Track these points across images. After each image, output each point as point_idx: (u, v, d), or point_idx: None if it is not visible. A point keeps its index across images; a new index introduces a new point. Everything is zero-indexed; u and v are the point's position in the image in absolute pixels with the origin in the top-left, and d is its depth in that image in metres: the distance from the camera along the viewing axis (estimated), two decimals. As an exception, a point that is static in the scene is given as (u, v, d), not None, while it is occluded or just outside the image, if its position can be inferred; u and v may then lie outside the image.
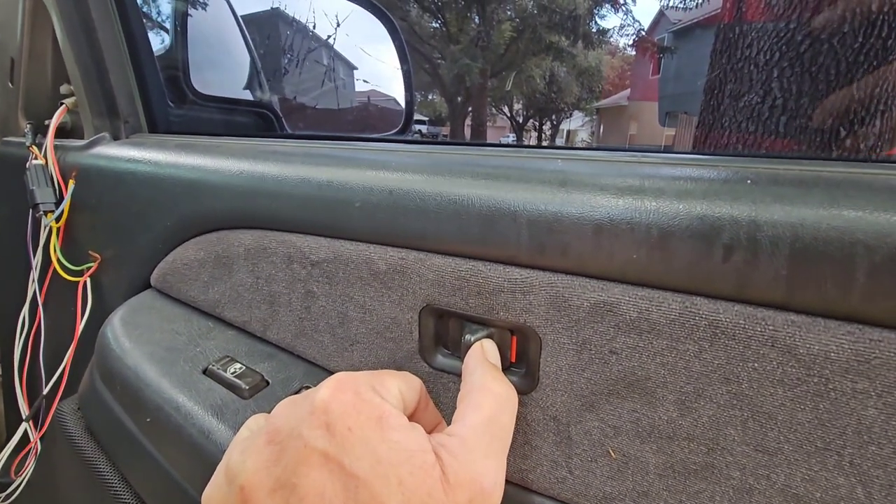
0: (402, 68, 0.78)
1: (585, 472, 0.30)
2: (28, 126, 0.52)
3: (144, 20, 0.50)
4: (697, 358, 0.25)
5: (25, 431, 0.54)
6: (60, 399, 0.47)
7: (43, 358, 0.53)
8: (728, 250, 0.24)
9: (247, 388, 0.36)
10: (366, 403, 0.24)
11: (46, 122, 0.55)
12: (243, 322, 0.42)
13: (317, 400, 0.24)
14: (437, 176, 0.32)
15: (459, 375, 0.33)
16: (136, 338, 0.41)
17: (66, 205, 0.47)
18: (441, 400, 0.35)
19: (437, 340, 0.34)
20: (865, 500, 0.23)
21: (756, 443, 0.25)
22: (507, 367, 0.32)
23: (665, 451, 0.27)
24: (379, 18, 0.79)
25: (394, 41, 0.78)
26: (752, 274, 0.24)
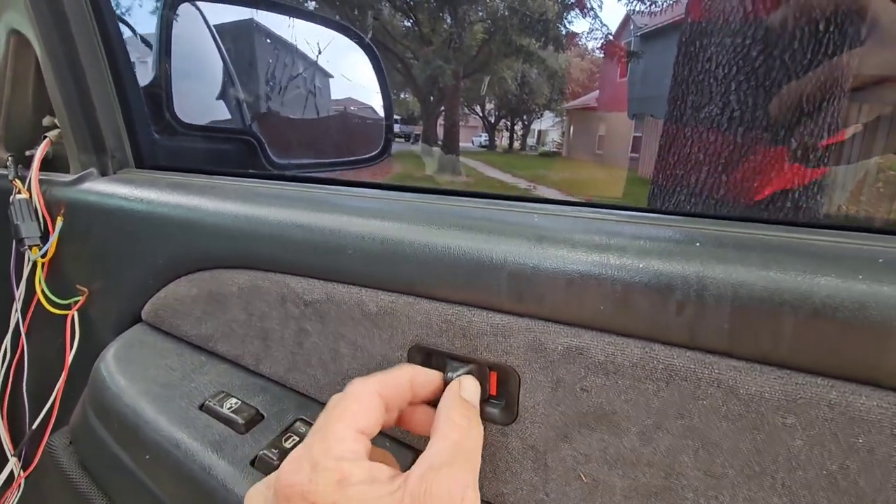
0: (381, 93, 0.81)
1: (560, 495, 0.33)
2: (10, 158, 0.52)
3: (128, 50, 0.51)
4: (656, 396, 0.29)
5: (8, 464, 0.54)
6: (50, 433, 0.47)
7: (27, 390, 0.53)
8: (680, 306, 0.28)
9: (243, 422, 0.38)
10: (322, 473, 0.25)
11: (28, 152, 0.55)
12: (236, 356, 0.44)
13: (279, 482, 0.26)
14: (425, 226, 0.35)
15: None
16: (130, 374, 0.43)
17: (53, 242, 0.47)
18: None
19: None
20: (794, 516, 0.28)
21: (705, 468, 0.29)
22: (486, 400, 0.35)
23: (629, 476, 0.31)
24: (359, 45, 0.81)
25: (374, 67, 0.80)
26: (701, 326, 0.28)
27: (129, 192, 0.46)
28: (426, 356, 0.36)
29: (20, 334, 0.53)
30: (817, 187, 0.81)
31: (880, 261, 0.26)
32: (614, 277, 0.29)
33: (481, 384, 0.34)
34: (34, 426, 0.48)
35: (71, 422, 0.47)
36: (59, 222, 0.47)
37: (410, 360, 0.36)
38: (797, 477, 0.27)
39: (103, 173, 0.50)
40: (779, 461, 0.27)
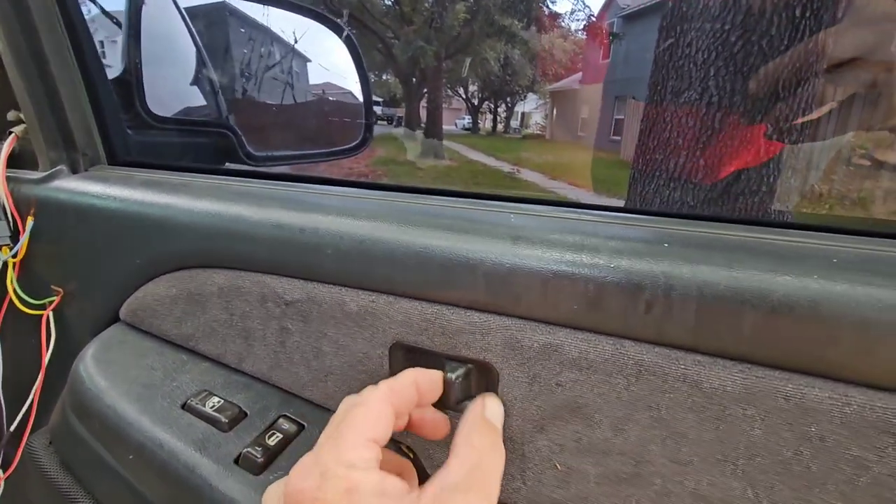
0: (360, 84, 0.79)
1: (537, 483, 0.35)
2: (-26, 155, 0.50)
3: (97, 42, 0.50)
4: (626, 390, 0.31)
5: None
6: (28, 434, 0.47)
7: (2, 391, 0.53)
8: (649, 304, 0.29)
9: (226, 420, 0.39)
10: (331, 481, 0.25)
11: (-8, 148, 0.53)
12: (218, 354, 0.44)
13: (287, 487, 0.26)
14: (402, 225, 0.35)
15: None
16: (111, 375, 0.42)
17: (24, 242, 0.46)
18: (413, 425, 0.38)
19: None
20: (752, 498, 0.29)
21: (672, 456, 0.31)
22: (470, 397, 0.36)
23: (601, 464, 0.33)
24: (337, 35, 0.79)
25: (353, 58, 0.78)
26: (668, 324, 0.29)
27: (102, 191, 0.45)
28: (407, 353, 0.37)
29: (-6, 334, 0.52)
30: (790, 167, 0.84)
31: (834, 261, 0.27)
32: (587, 277, 0.30)
33: (468, 383, 0.35)
34: (12, 427, 0.48)
35: (50, 422, 0.46)
36: (30, 222, 0.46)
37: (392, 357, 0.37)
38: (756, 463, 0.29)
39: (74, 170, 0.49)
40: (739, 449, 0.29)
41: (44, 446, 0.46)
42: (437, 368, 0.36)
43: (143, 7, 0.62)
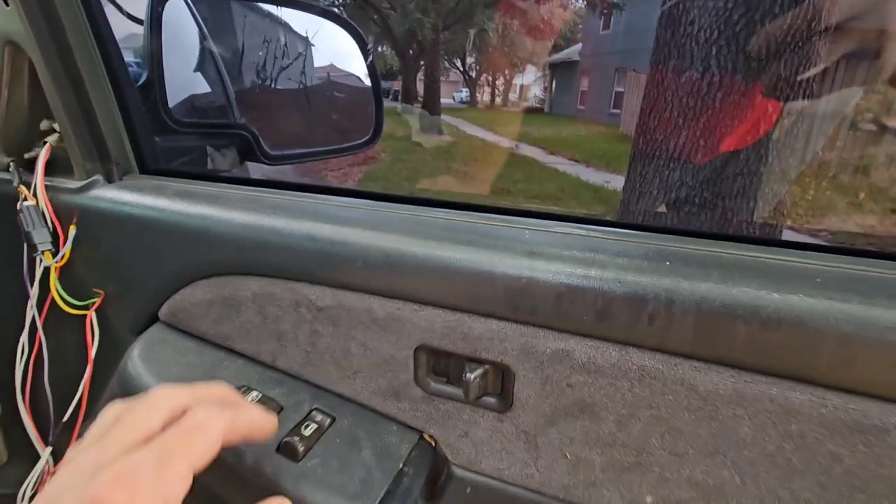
0: (371, 80, 0.81)
1: (548, 470, 0.39)
2: (12, 164, 0.53)
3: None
4: (630, 391, 0.34)
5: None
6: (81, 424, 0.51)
7: (49, 384, 0.56)
8: (652, 316, 0.32)
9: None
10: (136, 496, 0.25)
11: (26, 155, 0.55)
12: (253, 353, 0.47)
13: (91, 490, 0.25)
14: (427, 240, 0.38)
15: (450, 398, 0.41)
16: (156, 371, 0.46)
17: (67, 249, 0.49)
18: (433, 417, 0.42)
19: (430, 372, 0.42)
20: (740, 485, 0.34)
21: (670, 448, 0.35)
22: (489, 393, 0.40)
23: (606, 454, 0.37)
24: (348, 32, 0.80)
25: (363, 53, 0.79)
26: (669, 334, 0.32)
27: (139, 200, 0.48)
28: (431, 355, 0.41)
29: (36, 331, 0.56)
30: (797, 134, 0.86)
31: (818, 280, 0.31)
32: (597, 291, 0.34)
33: (486, 381, 0.39)
34: (65, 418, 0.52)
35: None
36: (73, 231, 0.49)
37: (416, 358, 0.41)
38: (743, 456, 0.33)
39: (109, 180, 0.52)
40: (729, 443, 0.33)
41: (95, 436, 0.50)
42: (459, 369, 0.40)
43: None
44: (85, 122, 0.49)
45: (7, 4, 0.44)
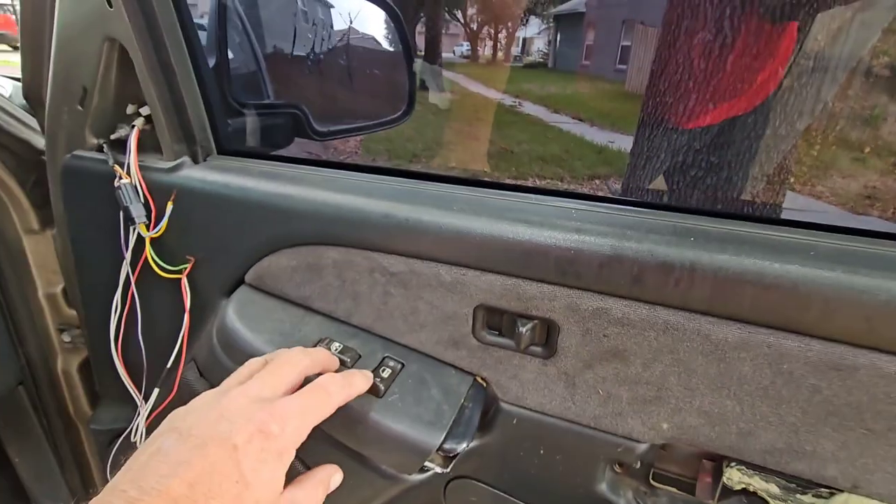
0: (405, 59, 0.85)
1: (583, 404, 0.48)
2: (105, 145, 0.59)
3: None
4: (655, 340, 0.43)
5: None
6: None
7: (141, 335, 0.65)
8: (677, 281, 0.41)
9: (349, 359, 0.51)
10: (271, 441, 0.34)
11: (112, 136, 0.62)
12: (330, 311, 0.56)
13: (258, 418, 0.34)
14: (489, 218, 0.46)
15: (501, 347, 0.50)
16: (250, 324, 0.55)
17: (164, 223, 0.57)
18: (486, 363, 0.51)
19: (485, 326, 0.50)
20: (740, 412, 0.43)
21: (685, 384, 0.44)
22: (536, 343, 0.48)
23: (633, 390, 0.46)
24: (384, 9, 0.83)
25: (398, 32, 0.83)
26: (690, 295, 0.41)
27: (227, 180, 0.55)
28: (488, 312, 0.49)
29: (128, 292, 0.64)
30: (807, 86, 0.92)
31: (811, 253, 0.38)
32: (633, 260, 0.42)
33: (534, 333, 0.47)
34: (168, 365, 0.61)
35: (200, 361, 0.59)
36: (170, 206, 0.57)
37: (475, 315, 0.49)
38: (744, 389, 0.42)
39: (195, 161, 0.58)
40: (733, 379, 0.42)
41: (196, 377, 0.59)
42: (510, 323, 0.49)
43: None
44: (175, 109, 0.55)
45: (111, 6, 0.49)
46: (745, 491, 0.47)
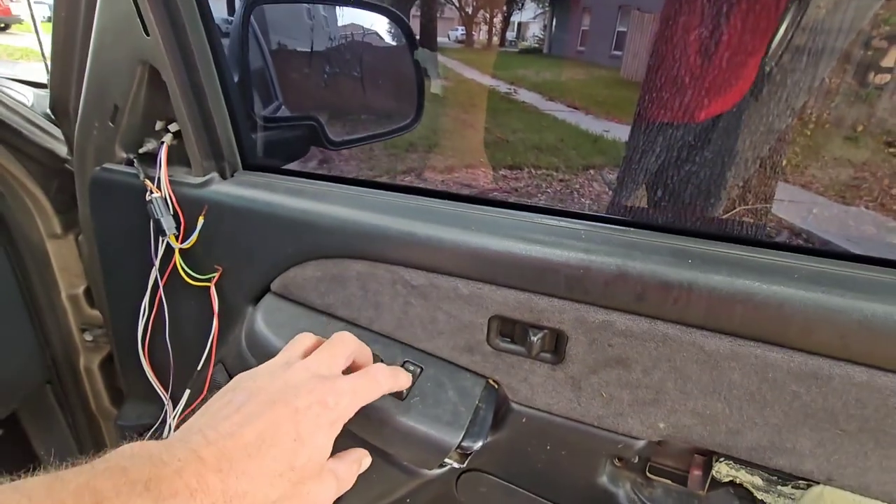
0: (415, 70, 0.87)
1: (587, 404, 0.53)
2: (136, 160, 0.62)
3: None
4: (655, 350, 0.48)
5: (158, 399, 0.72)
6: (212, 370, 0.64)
7: (169, 338, 0.69)
8: (675, 299, 0.45)
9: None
10: (327, 411, 0.39)
11: (140, 150, 0.65)
12: (352, 318, 0.60)
13: (319, 391, 0.39)
14: (505, 238, 0.50)
15: (513, 353, 0.54)
16: (276, 329, 0.59)
17: (195, 236, 0.60)
18: (499, 368, 0.56)
19: (498, 334, 0.55)
20: (729, 414, 0.48)
21: (680, 389, 0.48)
22: (546, 350, 0.53)
23: (633, 394, 0.51)
24: (394, 21, 0.85)
25: (407, 41, 0.85)
26: (687, 311, 0.45)
27: (255, 195, 0.58)
28: (501, 322, 0.53)
29: (156, 298, 0.68)
30: (802, 68, 0.95)
31: (795, 275, 0.43)
32: (636, 279, 0.46)
33: (544, 342, 0.52)
34: (199, 367, 0.65)
35: (228, 363, 0.63)
36: (201, 221, 0.60)
37: (490, 325, 0.53)
38: (733, 393, 0.47)
39: (223, 176, 0.62)
40: (723, 385, 0.47)
41: (225, 379, 0.63)
42: (522, 332, 0.53)
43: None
44: (204, 128, 0.58)
45: (147, 34, 0.52)
46: (732, 483, 0.52)
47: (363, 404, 0.43)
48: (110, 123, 0.61)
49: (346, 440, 0.45)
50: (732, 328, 0.45)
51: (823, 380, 0.43)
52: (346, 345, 0.46)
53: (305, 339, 0.48)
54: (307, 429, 0.38)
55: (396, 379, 0.48)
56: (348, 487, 0.44)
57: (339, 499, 0.66)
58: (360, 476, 0.64)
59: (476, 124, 5.82)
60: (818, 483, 0.47)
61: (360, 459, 0.46)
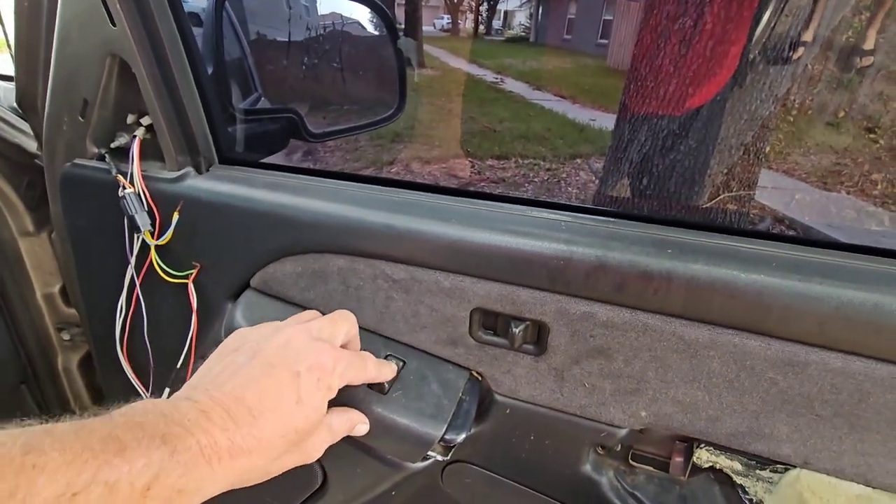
0: (396, 60, 0.86)
1: (570, 395, 0.53)
2: (107, 155, 0.60)
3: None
4: (636, 339, 0.48)
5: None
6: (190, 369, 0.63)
7: (147, 336, 0.68)
8: (655, 289, 0.45)
9: (354, 360, 0.55)
10: (325, 375, 0.41)
11: (112, 144, 0.63)
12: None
13: (315, 351, 0.41)
14: (485, 230, 0.50)
15: (496, 346, 0.54)
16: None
17: (170, 233, 0.59)
18: (482, 360, 0.56)
19: (481, 327, 0.54)
20: (708, 401, 0.48)
21: (661, 378, 0.49)
22: (528, 342, 0.53)
23: (615, 383, 0.51)
24: (374, 10, 0.83)
25: (388, 30, 0.84)
26: (667, 301, 0.45)
27: (232, 190, 0.57)
28: (483, 315, 0.53)
29: (133, 296, 0.66)
30: (784, 59, 0.96)
31: (773, 264, 0.43)
32: (616, 270, 0.46)
33: (527, 334, 0.52)
34: (178, 365, 0.64)
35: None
36: (176, 217, 0.58)
37: (472, 317, 0.53)
38: (712, 381, 0.47)
39: (198, 171, 0.60)
40: (703, 373, 0.47)
41: (206, 379, 0.62)
42: (504, 324, 0.53)
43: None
44: (177, 121, 0.57)
45: (114, 25, 0.50)
46: (712, 468, 0.53)
47: (352, 381, 0.44)
48: (80, 118, 0.59)
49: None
50: (711, 317, 0.45)
51: (800, 366, 0.43)
52: (347, 320, 0.48)
53: (308, 313, 0.50)
54: (307, 391, 0.40)
55: (381, 369, 0.50)
56: (339, 438, 0.46)
57: (324, 493, 0.66)
58: (343, 470, 0.64)
59: (462, 114, 5.78)
60: (795, 467, 0.48)
61: (355, 420, 0.48)
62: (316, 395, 0.40)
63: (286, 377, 0.39)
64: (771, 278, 0.42)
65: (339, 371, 0.42)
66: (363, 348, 0.56)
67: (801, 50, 1.00)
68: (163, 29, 0.51)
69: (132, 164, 0.59)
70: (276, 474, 0.40)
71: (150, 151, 0.62)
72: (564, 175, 4.06)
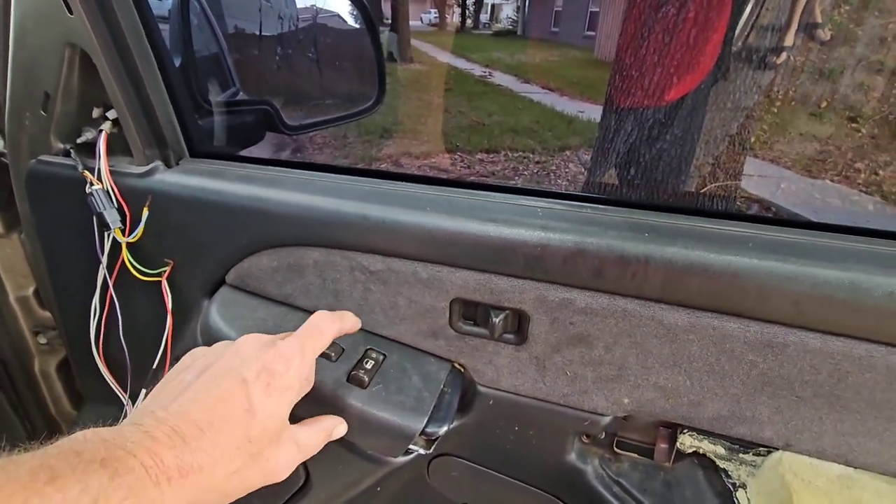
0: (374, 49, 0.84)
1: (552, 383, 0.53)
2: (72, 150, 0.58)
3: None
4: (615, 326, 0.47)
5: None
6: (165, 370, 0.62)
7: (123, 336, 0.66)
8: (633, 273, 0.44)
9: (333, 354, 0.54)
10: (276, 378, 0.39)
11: (78, 140, 0.61)
12: (311, 307, 0.58)
13: (262, 359, 0.39)
14: (461, 218, 0.49)
15: (477, 336, 0.53)
16: (233, 324, 0.57)
17: (140, 229, 0.57)
18: (463, 351, 0.55)
19: (461, 317, 0.53)
20: (690, 386, 0.48)
21: (642, 364, 0.48)
22: (508, 331, 0.52)
23: (597, 371, 0.50)
24: (352, 2, 0.82)
25: (366, 22, 0.82)
26: (645, 285, 0.45)
27: (203, 184, 0.55)
28: (463, 305, 0.52)
29: (106, 296, 0.65)
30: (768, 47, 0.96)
31: (749, 244, 0.43)
32: (594, 255, 0.45)
33: (507, 323, 0.51)
34: (154, 365, 0.62)
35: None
36: (146, 213, 0.57)
37: (451, 308, 0.52)
38: (693, 366, 0.47)
39: (167, 165, 0.58)
40: (683, 358, 0.47)
41: (183, 378, 0.61)
42: (485, 314, 0.52)
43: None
44: (143, 114, 0.55)
45: (71, 13, 0.48)
46: (696, 453, 0.52)
47: (315, 357, 0.43)
48: (42, 112, 0.57)
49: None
50: (689, 300, 0.44)
51: (779, 348, 0.43)
52: (331, 327, 0.46)
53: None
54: (258, 398, 0.38)
55: (342, 322, 0.47)
56: (312, 453, 0.44)
57: (307, 491, 0.65)
58: (325, 467, 0.62)
59: (451, 108, 5.76)
60: (777, 449, 0.48)
61: (329, 429, 0.46)
62: (267, 401, 0.38)
63: (233, 386, 0.37)
64: (747, 259, 0.42)
65: (294, 367, 0.40)
66: (343, 343, 0.55)
67: (783, 41, 1.01)
68: (122, 17, 0.49)
69: (99, 159, 0.57)
70: (240, 496, 0.37)
71: (118, 146, 0.60)
72: (554, 167, 4.06)
